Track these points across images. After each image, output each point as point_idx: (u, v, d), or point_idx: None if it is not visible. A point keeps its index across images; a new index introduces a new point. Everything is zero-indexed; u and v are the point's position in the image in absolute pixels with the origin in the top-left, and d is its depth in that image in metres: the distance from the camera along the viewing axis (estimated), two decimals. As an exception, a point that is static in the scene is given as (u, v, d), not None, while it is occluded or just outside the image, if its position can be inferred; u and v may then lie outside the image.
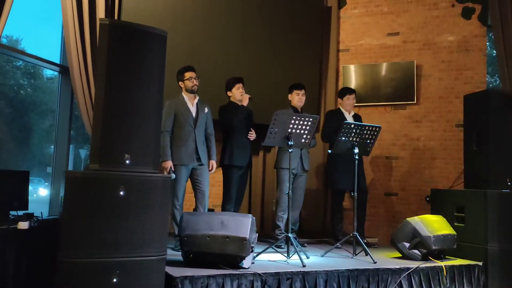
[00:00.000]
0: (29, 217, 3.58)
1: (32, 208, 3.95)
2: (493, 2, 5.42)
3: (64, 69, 5.18)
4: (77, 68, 4.68)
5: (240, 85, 4.53)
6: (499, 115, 4.25)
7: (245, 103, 4.48)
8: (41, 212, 3.84)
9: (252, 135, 4.57)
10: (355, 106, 5.19)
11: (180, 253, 3.50)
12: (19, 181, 3.99)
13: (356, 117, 5.06)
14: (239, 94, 4.50)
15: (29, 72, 17.99)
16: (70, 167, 6.59)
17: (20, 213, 3.75)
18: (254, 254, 3.64)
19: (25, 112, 17.60)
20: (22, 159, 17.41)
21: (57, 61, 5.30)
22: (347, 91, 5.10)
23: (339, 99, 5.13)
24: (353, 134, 4.20)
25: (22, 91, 17.94)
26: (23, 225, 3.38)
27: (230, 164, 4.45)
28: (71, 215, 2.76)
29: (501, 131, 4.23)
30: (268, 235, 5.07)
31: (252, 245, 3.36)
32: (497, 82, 12.25)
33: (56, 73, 5.62)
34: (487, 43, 5.95)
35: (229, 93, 4.58)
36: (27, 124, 17.65)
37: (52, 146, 5.78)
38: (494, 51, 6.49)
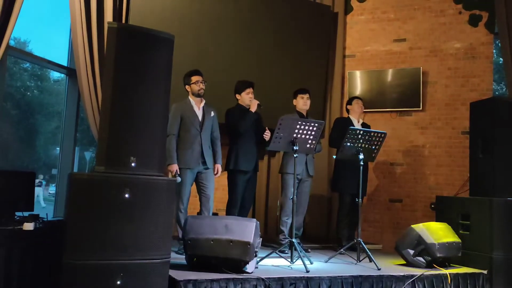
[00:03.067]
0: (34, 218, 3.59)
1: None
2: (500, 9, 5.41)
3: (71, 72, 5.21)
4: (84, 71, 4.71)
5: (251, 89, 4.48)
6: (505, 122, 4.22)
7: (253, 109, 4.41)
8: (47, 214, 3.86)
9: (267, 135, 4.44)
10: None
11: (183, 256, 3.50)
12: (24, 182, 4.00)
13: (365, 125, 5.08)
14: (248, 99, 4.46)
15: (36, 74, 18.08)
16: (75, 169, 6.61)
17: (26, 214, 3.76)
18: (258, 259, 3.63)
19: (32, 113, 17.69)
20: (28, 161, 17.48)
21: (65, 63, 5.34)
22: (354, 97, 5.27)
23: (348, 106, 5.17)
24: (358, 140, 4.20)
25: (28, 93, 18.04)
26: (28, 226, 3.40)
27: (235, 169, 4.42)
28: (76, 217, 2.77)
29: (507, 138, 4.21)
30: (272, 240, 5.06)
31: (255, 249, 3.36)
32: (504, 89, 12.19)
33: (63, 75, 5.67)
34: (494, 51, 5.94)
35: (237, 96, 4.53)
36: (33, 125, 17.73)
37: (58, 148, 5.81)
38: (501, 59, 6.47)
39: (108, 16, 4.79)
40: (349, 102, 5.19)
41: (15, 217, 3.73)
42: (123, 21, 4.91)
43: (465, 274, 3.86)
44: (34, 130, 17.88)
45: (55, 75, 18.25)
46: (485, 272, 3.93)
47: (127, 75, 2.92)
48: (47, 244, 3.49)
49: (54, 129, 17.57)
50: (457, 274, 3.82)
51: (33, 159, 18.03)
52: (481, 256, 4.02)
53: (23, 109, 17.46)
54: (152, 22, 4.47)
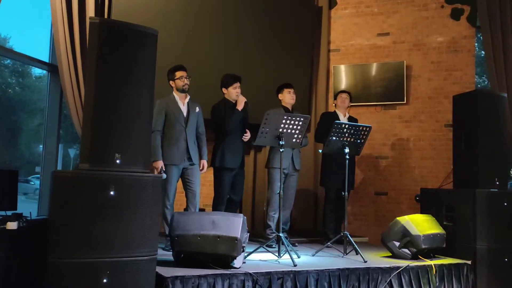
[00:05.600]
0: (18, 217, 3.54)
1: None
2: (482, 3, 5.47)
3: (53, 68, 5.13)
4: (66, 67, 4.64)
5: (238, 84, 4.41)
6: (488, 115, 4.28)
7: (240, 107, 4.36)
8: (30, 212, 3.80)
9: (246, 137, 4.48)
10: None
11: (171, 253, 3.49)
12: (7, 181, 3.94)
13: (351, 119, 5.10)
14: (235, 94, 4.41)
15: (17, 71, 17.80)
16: (59, 167, 6.53)
17: (9, 213, 3.71)
18: (245, 254, 3.63)
19: (13, 111, 17.41)
20: (10, 159, 17.23)
21: (46, 59, 5.26)
22: (340, 91, 5.31)
23: (334, 101, 5.22)
24: (344, 134, 4.22)
25: (10, 90, 17.75)
26: (12, 225, 3.34)
27: (221, 166, 4.39)
28: (61, 215, 2.74)
29: (490, 131, 4.27)
30: (259, 234, 5.06)
31: (243, 244, 3.36)
32: (486, 82, 12.39)
33: (45, 71, 5.58)
34: (476, 44, 6.02)
35: (224, 90, 4.46)
36: (15, 123, 17.46)
37: (41, 145, 5.73)
38: (483, 52, 6.56)
39: (90, 11, 4.72)
40: (335, 96, 5.24)
41: (-2, 216, 3.67)
42: (106, 16, 4.85)
43: (450, 264, 3.92)
44: (16, 128, 17.61)
45: (37, 71, 18.00)
46: (469, 262, 3.99)
47: (110, 71, 2.88)
48: (31, 243, 3.45)
49: (36, 126, 17.33)
50: (442, 265, 3.87)
51: (16, 157, 17.77)
52: (465, 247, 4.09)
53: (4, 106, 17.18)
54: (135, 17, 4.41)
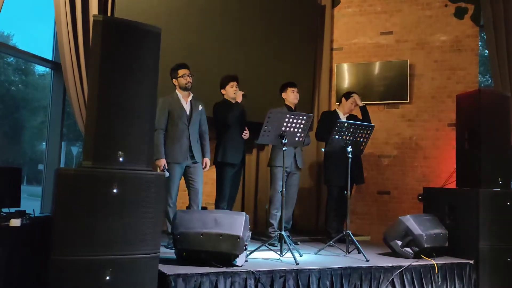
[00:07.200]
0: (21, 214, 3.55)
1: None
2: (486, 2, 5.46)
3: (56, 66, 5.14)
4: (69, 65, 4.64)
5: (234, 83, 4.52)
6: (491, 114, 4.28)
7: (239, 99, 4.48)
8: (33, 210, 3.81)
9: (246, 134, 4.57)
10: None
11: (173, 251, 3.49)
12: (11, 178, 3.95)
13: (351, 116, 5.05)
14: (232, 92, 4.50)
15: (21, 68, 17.83)
16: (62, 164, 6.55)
17: (12, 210, 3.72)
18: (248, 252, 3.64)
19: (16, 108, 17.45)
20: (13, 156, 17.28)
21: (49, 57, 5.26)
22: (353, 92, 5.11)
23: (343, 99, 5.06)
24: (346, 132, 4.21)
25: (13, 88, 17.79)
26: (15, 222, 3.35)
27: (223, 161, 4.45)
28: (64, 213, 2.74)
29: (493, 130, 4.26)
30: (261, 233, 5.07)
31: (245, 243, 3.36)
32: (489, 81, 12.34)
33: (48, 69, 5.58)
34: (480, 43, 6.00)
35: (223, 91, 4.58)
36: (18, 120, 17.50)
37: (44, 143, 5.75)
38: (486, 51, 6.54)
39: (94, 8, 4.72)
40: (346, 96, 5.05)
41: (1, 213, 3.68)
42: (109, 14, 4.85)
43: (452, 264, 3.91)
44: (19, 125, 17.66)
45: (40, 69, 18.02)
46: (471, 262, 3.99)
47: (113, 68, 2.88)
48: (34, 240, 3.46)
49: (39, 124, 17.38)
50: (444, 264, 3.87)
51: (19, 155, 17.82)
52: (468, 246, 4.08)
53: (7, 104, 17.23)
54: (138, 15, 4.42)
